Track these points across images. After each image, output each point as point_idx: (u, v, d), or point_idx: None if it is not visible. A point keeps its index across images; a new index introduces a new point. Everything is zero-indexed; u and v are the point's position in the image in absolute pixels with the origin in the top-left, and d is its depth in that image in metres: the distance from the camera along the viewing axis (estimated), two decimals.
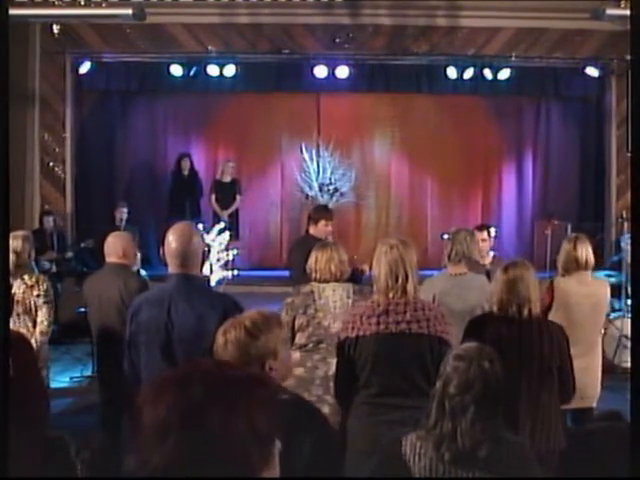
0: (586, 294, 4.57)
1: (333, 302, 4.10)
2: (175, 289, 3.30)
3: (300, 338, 4.09)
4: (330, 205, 9.57)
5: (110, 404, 4.59)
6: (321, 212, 6.03)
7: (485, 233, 6.05)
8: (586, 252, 4.60)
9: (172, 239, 3.33)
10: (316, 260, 4.20)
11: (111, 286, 4.58)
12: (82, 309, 8.21)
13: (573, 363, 3.64)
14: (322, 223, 5.81)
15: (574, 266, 4.58)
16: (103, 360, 4.74)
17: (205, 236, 7.77)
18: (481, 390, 2.31)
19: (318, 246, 4.34)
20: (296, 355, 4.07)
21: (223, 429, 1.17)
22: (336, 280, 4.18)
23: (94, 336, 4.76)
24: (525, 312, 3.55)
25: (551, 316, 4.55)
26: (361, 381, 3.28)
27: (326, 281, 4.17)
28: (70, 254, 9.50)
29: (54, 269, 8.83)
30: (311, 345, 4.07)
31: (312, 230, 5.87)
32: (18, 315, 4.82)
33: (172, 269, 3.34)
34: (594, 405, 4.55)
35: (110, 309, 4.55)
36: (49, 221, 9.32)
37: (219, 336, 2.40)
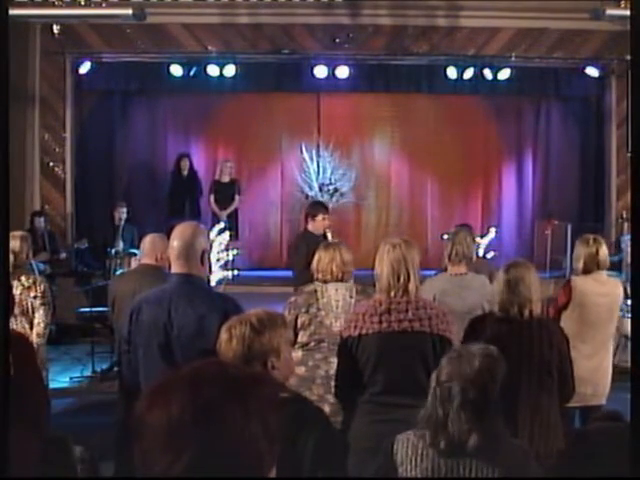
0: (602, 293, 4.58)
1: (335, 301, 4.10)
2: (175, 289, 3.29)
3: (302, 337, 4.08)
4: (330, 205, 9.58)
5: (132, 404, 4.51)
6: (318, 207, 6.34)
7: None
8: (605, 252, 4.64)
9: (174, 238, 3.33)
10: (319, 260, 4.20)
11: (149, 287, 4.46)
12: (84, 309, 8.33)
13: (573, 364, 3.65)
14: (320, 218, 6.06)
15: (595, 266, 4.60)
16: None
17: None
18: (470, 379, 2.33)
19: (322, 246, 4.34)
20: (298, 354, 4.06)
21: (240, 430, 1.14)
22: (339, 280, 4.16)
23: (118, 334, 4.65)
24: (526, 313, 3.55)
25: (566, 315, 4.58)
26: (364, 380, 3.28)
27: (328, 281, 4.16)
28: (64, 254, 9.46)
29: (48, 270, 8.75)
30: (313, 344, 4.07)
31: (310, 226, 6.11)
32: (15, 316, 4.72)
33: (174, 269, 3.34)
34: (604, 402, 4.57)
35: None
36: (40, 222, 9.22)
37: (223, 332, 2.41)
